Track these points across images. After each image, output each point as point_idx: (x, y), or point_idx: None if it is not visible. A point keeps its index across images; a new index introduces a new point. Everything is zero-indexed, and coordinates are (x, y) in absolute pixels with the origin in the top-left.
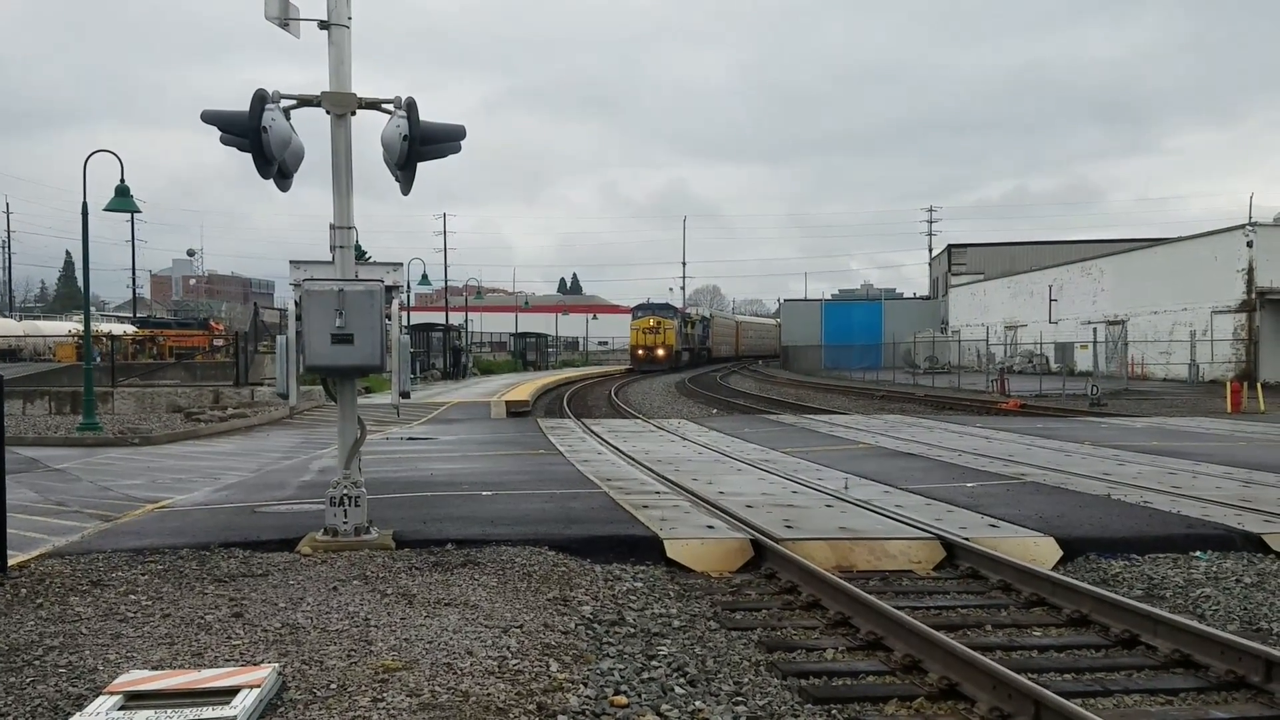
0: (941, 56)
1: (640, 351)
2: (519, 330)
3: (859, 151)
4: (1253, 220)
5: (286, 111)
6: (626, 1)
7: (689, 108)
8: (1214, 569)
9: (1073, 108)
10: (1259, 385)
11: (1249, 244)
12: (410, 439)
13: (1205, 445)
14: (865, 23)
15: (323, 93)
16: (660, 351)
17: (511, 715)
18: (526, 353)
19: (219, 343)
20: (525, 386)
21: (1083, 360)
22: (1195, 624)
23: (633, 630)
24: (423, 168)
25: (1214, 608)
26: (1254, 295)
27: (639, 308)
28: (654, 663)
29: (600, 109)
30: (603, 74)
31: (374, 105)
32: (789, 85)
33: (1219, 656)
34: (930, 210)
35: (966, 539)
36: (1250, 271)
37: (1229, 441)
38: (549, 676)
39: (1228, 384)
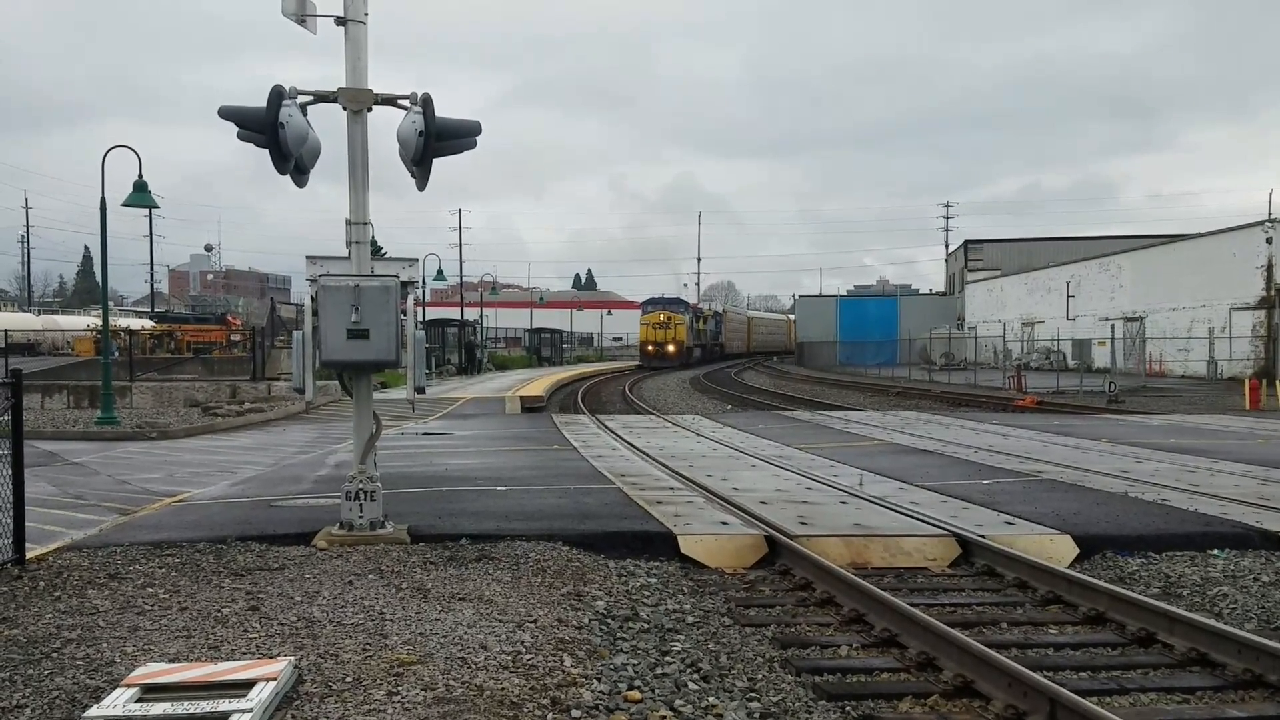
0: (950, 51)
1: (650, 347)
2: (534, 326)
3: (869, 147)
4: (1272, 217)
5: (303, 107)
6: None
7: (698, 103)
8: (1231, 567)
9: (1084, 103)
10: (1278, 383)
11: (1268, 240)
12: (425, 434)
13: (1223, 443)
14: (873, 18)
15: (339, 89)
16: (670, 347)
17: (525, 710)
18: (541, 348)
19: (236, 338)
20: (540, 382)
21: (1100, 357)
22: (1212, 622)
23: (646, 626)
24: (436, 164)
25: (1231, 606)
26: (1273, 292)
27: (649, 302)
28: (668, 658)
29: (609, 104)
30: (611, 70)
31: (390, 101)
32: (797, 80)
33: (1236, 655)
34: (947, 206)
35: (982, 536)
36: (1269, 268)
37: (1247, 439)
38: (563, 671)
39: (1246, 381)
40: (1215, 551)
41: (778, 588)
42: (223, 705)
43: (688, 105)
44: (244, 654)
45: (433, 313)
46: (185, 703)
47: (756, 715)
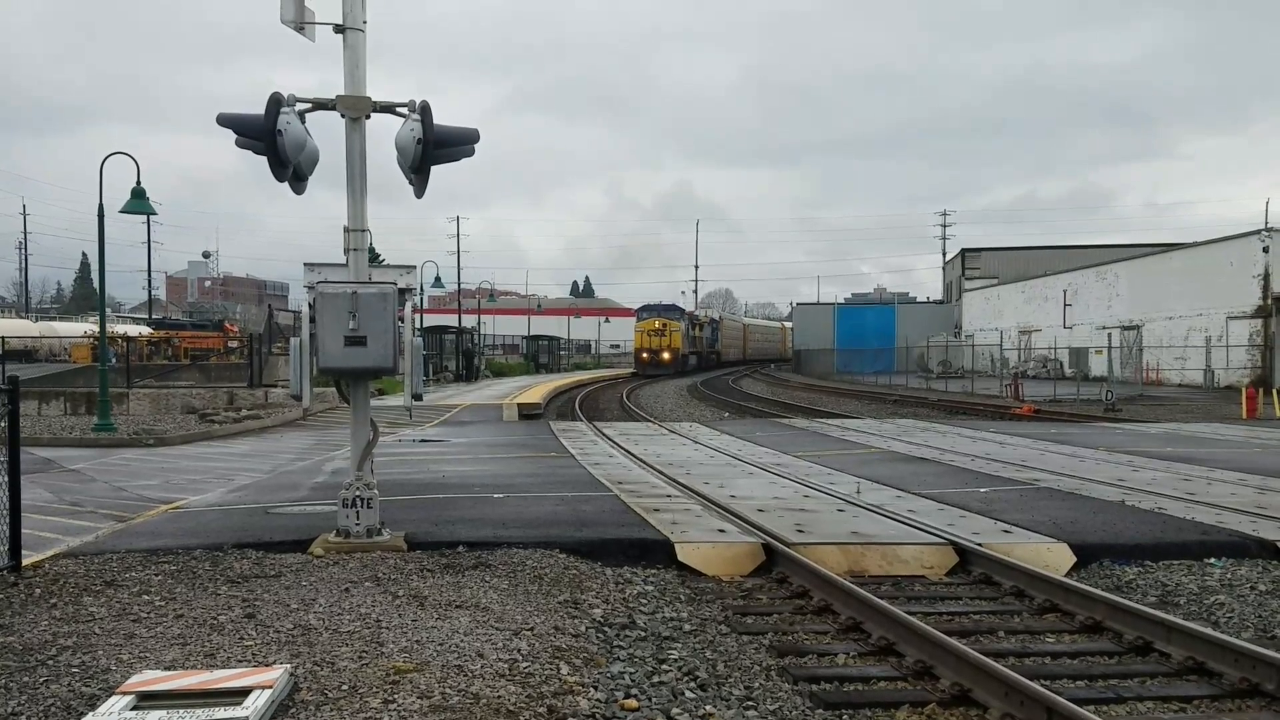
0: (948, 60)
1: (645, 355)
2: (531, 333)
3: (866, 155)
4: (1269, 226)
5: (301, 115)
6: (633, 4)
7: (697, 110)
8: (1228, 576)
9: (1081, 112)
10: (1275, 391)
11: (1265, 249)
12: (423, 441)
13: (1220, 451)
14: (872, 26)
15: (338, 96)
16: (666, 355)
17: (522, 718)
18: (539, 355)
19: (233, 344)
20: (537, 389)
21: (1097, 365)
22: (1209, 631)
23: (643, 634)
24: (434, 171)
25: (1228, 615)
26: (1270, 301)
27: (644, 309)
28: (664, 666)
29: (608, 111)
30: (611, 77)
31: (388, 109)
32: (796, 88)
33: (1233, 664)
34: (944, 214)
35: (979, 544)
36: (1266, 277)
37: (1244, 448)
38: (559, 679)
39: (1243, 390)
40: (1212, 560)
41: (775, 596)
42: (218, 713)
43: (686, 112)
44: (240, 661)
45: (430, 320)
46: (181, 710)
47: None
